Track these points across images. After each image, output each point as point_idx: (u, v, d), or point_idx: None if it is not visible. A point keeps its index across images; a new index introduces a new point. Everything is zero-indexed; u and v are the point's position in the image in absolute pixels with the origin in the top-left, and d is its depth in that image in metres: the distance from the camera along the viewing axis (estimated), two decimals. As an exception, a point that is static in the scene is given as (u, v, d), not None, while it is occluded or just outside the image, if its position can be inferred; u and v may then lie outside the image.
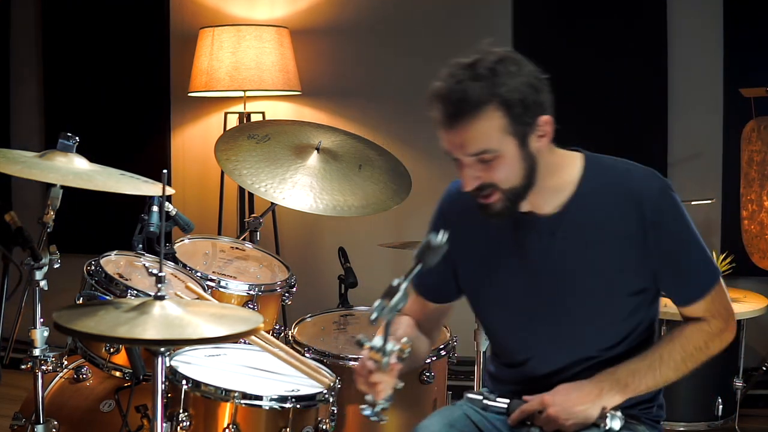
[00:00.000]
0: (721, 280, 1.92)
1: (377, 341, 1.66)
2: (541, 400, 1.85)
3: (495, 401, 1.94)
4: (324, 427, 2.09)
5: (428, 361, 2.55)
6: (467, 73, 1.73)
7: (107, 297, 2.24)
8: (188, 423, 2.02)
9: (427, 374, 2.55)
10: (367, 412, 1.69)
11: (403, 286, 1.66)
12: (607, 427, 1.82)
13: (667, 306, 1.98)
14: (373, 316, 1.63)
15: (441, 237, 1.69)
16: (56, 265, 2.09)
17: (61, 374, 2.53)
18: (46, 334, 2.09)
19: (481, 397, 1.95)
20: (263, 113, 4.32)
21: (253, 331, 1.75)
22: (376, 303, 1.64)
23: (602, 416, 1.84)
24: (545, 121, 1.78)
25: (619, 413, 1.83)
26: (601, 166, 1.88)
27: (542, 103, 1.78)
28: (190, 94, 4.22)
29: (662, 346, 1.88)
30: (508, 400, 1.92)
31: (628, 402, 1.90)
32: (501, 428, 1.93)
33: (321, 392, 2.09)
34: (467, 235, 1.94)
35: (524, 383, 1.94)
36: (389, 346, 1.67)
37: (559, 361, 1.91)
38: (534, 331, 1.92)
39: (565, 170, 1.87)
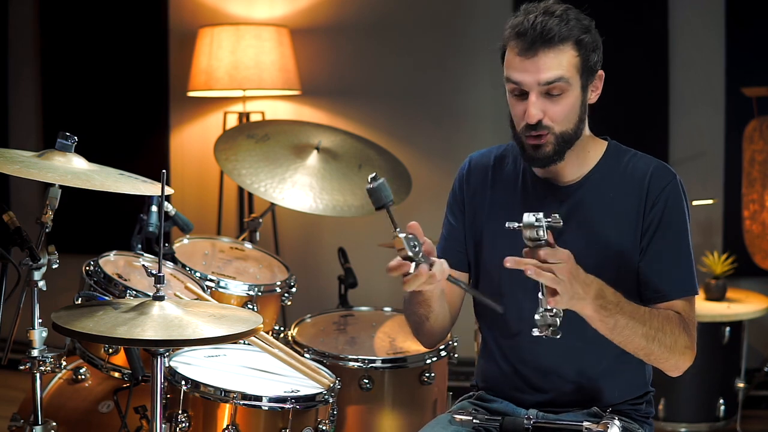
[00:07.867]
0: (695, 302, 1.91)
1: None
2: (566, 253, 1.69)
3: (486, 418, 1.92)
4: (324, 428, 2.09)
5: (428, 361, 2.54)
6: (545, 13, 1.85)
7: (106, 297, 2.23)
8: (187, 424, 2.01)
9: (428, 375, 2.54)
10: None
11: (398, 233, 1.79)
12: None
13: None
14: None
15: (374, 178, 1.79)
16: (55, 266, 2.08)
17: (59, 375, 2.52)
18: (44, 334, 2.08)
19: (470, 418, 1.93)
20: (263, 113, 4.31)
21: (253, 332, 1.75)
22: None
23: (602, 419, 1.82)
24: (600, 75, 1.92)
25: (617, 421, 1.80)
26: (620, 152, 1.99)
27: (600, 58, 1.92)
28: (189, 94, 4.21)
29: (648, 308, 1.81)
30: (500, 417, 1.92)
31: (618, 399, 1.93)
32: None
33: (321, 393, 2.08)
34: (480, 202, 2.02)
35: (516, 355, 1.98)
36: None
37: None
38: (530, 299, 1.90)
39: (592, 148, 1.97)
